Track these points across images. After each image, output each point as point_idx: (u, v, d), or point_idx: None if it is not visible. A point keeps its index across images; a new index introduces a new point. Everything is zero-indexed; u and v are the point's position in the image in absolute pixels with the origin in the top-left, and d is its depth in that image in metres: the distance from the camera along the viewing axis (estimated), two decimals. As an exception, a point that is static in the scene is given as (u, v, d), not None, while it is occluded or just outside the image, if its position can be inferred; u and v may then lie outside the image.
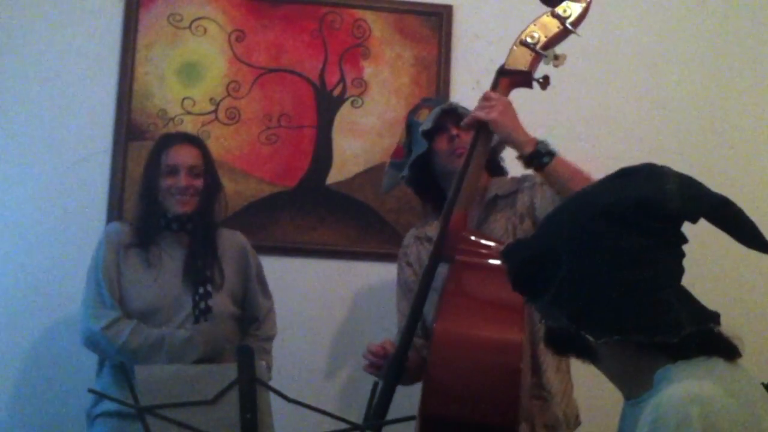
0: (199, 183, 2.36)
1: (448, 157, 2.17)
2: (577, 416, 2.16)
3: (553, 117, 2.91)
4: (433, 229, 2.26)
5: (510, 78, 2.01)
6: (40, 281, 2.72)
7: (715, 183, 1.26)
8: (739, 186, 2.98)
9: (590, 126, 3.01)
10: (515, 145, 1.98)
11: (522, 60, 1.99)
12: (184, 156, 2.37)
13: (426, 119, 2.20)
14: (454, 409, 1.76)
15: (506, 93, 2.02)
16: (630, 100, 3.05)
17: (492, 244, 2.01)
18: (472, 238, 2.02)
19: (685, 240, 1.22)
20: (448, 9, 2.99)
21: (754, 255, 1.26)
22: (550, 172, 1.93)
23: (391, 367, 1.99)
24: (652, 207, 1.18)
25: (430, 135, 2.18)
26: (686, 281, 1.24)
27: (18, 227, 2.75)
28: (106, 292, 2.29)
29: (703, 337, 1.17)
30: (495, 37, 2.96)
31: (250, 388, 1.59)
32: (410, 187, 2.35)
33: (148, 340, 2.25)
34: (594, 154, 2.92)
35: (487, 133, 2.01)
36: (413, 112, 2.31)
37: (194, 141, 2.46)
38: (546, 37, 1.97)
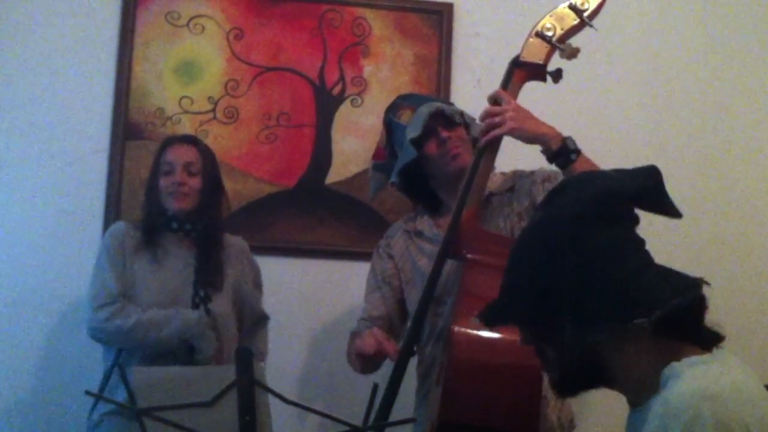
0: (195, 182, 2.36)
1: (442, 160, 2.12)
2: (572, 420, 2.13)
3: (554, 116, 2.88)
4: (423, 224, 2.21)
5: (525, 70, 1.98)
6: (37, 281, 2.71)
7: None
8: (739, 186, 2.96)
9: (591, 125, 2.99)
10: (541, 143, 1.95)
11: (537, 52, 1.96)
12: (180, 154, 2.37)
13: (412, 124, 2.11)
14: (474, 415, 1.72)
15: (519, 86, 1.99)
16: (631, 98, 3.04)
17: (504, 241, 1.96)
18: (485, 236, 1.99)
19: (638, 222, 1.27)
20: (448, 7, 2.97)
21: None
22: (575, 169, 1.89)
23: (394, 370, 1.97)
24: (617, 193, 1.23)
25: (418, 141, 2.10)
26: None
27: (15, 227, 2.73)
28: (111, 279, 2.29)
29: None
30: (496, 35, 2.95)
31: (249, 390, 1.57)
32: (401, 192, 2.29)
33: (158, 313, 2.25)
34: (595, 154, 2.90)
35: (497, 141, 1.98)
36: (392, 111, 2.21)
37: (193, 141, 2.46)
38: (562, 29, 1.95)
